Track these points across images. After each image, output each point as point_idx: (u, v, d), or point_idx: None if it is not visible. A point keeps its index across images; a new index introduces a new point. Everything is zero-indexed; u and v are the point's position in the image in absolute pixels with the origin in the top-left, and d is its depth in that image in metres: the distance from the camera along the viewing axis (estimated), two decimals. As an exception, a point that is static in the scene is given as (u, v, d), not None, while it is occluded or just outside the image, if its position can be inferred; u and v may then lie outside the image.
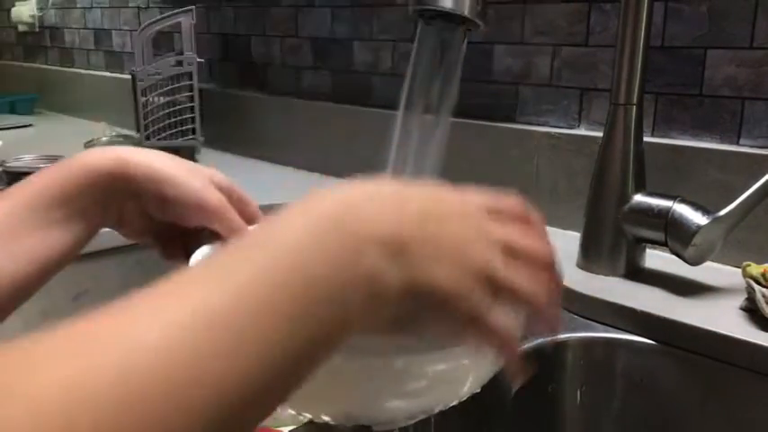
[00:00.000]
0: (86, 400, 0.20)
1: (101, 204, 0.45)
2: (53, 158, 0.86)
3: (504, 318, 0.29)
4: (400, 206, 0.28)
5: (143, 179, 0.44)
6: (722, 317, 0.58)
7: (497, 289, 0.29)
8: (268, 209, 0.64)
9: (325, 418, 0.37)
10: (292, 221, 0.27)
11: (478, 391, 0.38)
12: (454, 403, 0.38)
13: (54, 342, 0.22)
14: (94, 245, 0.76)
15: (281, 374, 0.24)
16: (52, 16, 1.93)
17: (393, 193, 0.29)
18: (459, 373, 0.35)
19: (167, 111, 1.19)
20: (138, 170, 0.44)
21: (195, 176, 0.46)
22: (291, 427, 0.43)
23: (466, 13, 0.46)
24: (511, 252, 0.30)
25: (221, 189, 0.48)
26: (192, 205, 0.45)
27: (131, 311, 0.23)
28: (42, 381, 0.20)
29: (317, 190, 0.29)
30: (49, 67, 1.98)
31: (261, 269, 0.25)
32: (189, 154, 1.21)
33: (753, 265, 0.60)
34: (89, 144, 1.21)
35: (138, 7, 1.58)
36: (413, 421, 0.39)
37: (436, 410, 0.39)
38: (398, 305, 0.28)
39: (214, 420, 0.22)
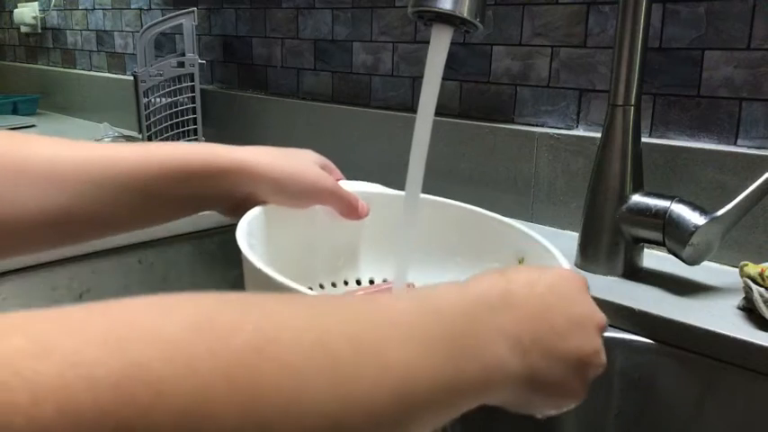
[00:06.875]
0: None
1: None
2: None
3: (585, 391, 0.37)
4: (540, 316, 0.35)
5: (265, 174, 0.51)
6: (720, 316, 0.58)
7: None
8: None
9: None
10: (448, 295, 0.33)
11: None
12: None
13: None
14: (97, 244, 0.76)
15: (411, 409, 0.28)
16: (54, 18, 1.94)
17: (538, 301, 0.35)
18: None
19: (169, 112, 1.20)
20: (259, 167, 0.50)
21: (301, 162, 0.53)
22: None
23: (465, 14, 0.46)
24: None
25: (323, 167, 0.55)
26: (308, 191, 0.52)
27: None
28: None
29: (477, 275, 0.35)
30: (52, 68, 1.99)
31: (416, 323, 0.30)
32: (190, 155, 1.21)
33: (750, 264, 0.60)
34: (91, 145, 1.21)
35: (140, 9, 1.59)
36: None
37: None
38: (514, 391, 0.34)
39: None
